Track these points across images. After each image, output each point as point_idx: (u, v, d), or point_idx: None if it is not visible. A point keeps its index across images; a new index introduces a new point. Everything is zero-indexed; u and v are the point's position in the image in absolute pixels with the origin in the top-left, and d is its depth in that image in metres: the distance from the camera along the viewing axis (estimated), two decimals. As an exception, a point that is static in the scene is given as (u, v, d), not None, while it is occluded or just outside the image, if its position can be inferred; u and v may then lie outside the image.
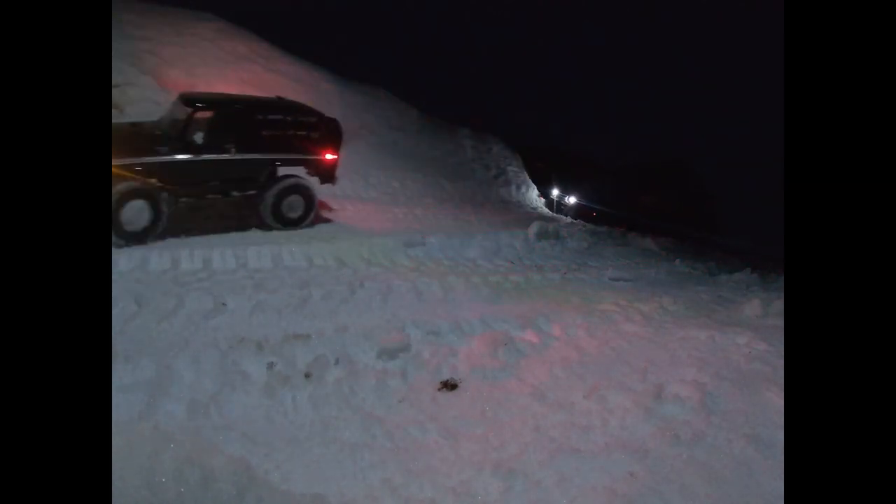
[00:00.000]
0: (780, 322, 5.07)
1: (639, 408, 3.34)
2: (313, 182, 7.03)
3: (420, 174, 12.38)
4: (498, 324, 4.69)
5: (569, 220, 13.21)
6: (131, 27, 11.01)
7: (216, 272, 5.17)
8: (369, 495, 2.58)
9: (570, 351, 4.30)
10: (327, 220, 7.72)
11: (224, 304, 4.36)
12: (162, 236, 5.70)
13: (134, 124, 6.51)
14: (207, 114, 6.14)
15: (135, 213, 5.41)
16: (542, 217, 12.18)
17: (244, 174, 6.45)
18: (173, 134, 5.91)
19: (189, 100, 6.27)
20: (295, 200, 6.78)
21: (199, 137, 5.93)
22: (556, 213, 16.10)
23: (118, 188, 5.28)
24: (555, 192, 17.76)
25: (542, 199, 16.23)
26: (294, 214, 6.82)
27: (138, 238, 5.46)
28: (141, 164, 5.52)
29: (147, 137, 5.99)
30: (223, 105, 6.42)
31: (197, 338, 3.82)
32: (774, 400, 3.36)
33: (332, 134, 7.17)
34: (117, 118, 7.50)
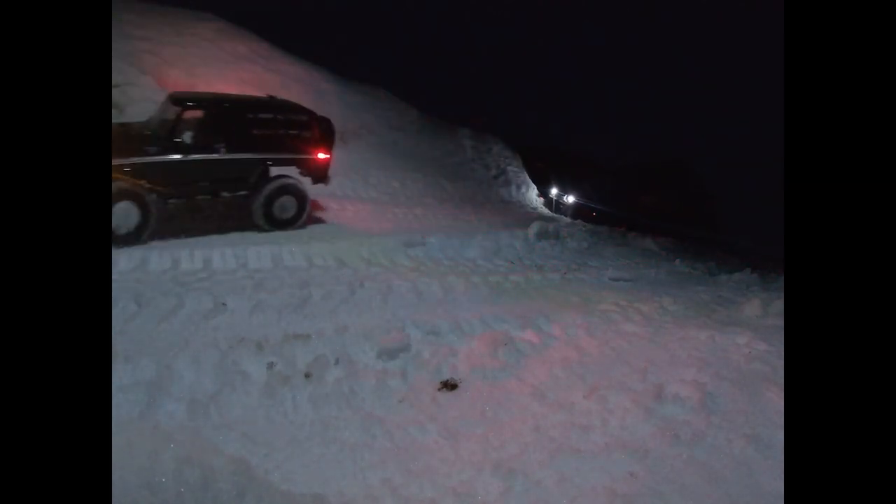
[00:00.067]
0: (780, 322, 5.07)
1: (639, 408, 3.34)
2: (306, 182, 6.94)
3: (420, 174, 12.38)
4: (498, 324, 4.69)
5: (568, 220, 13.21)
6: (131, 27, 11.02)
7: (216, 272, 5.17)
8: (369, 495, 2.58)
9: (570, 351, 4.30)
10: (327, 221, 7.72)
11: (224, 304, 4.35)
12: (152, 237, 5.61)
13: (123, 125, 6.44)
14: (197, 113, 6.05)
15: (122, 215, 5.33)
16: (542, 217, 12.18)
17: (234, 174, 6.34)
18: (162, 134, 5.82)
19: (178, 99, 6.18)
20: (287, 201, 6.69)
21: (187, 137, 5.84)
22: (555, 212, 16.11)
23: None
24: (553, 191, 17.76)
25: (541, 199, 16.24)
26: (286, 215, 6.72)
27: (126, 240, 5.37)
28: (129, 165, 5.41)
29: (135, 138, 5.89)
30: (212, 104, 6.31)
31: (197, 338, 3.82)
32: (774, 400, 3.36)
33: (324, 133, 7.08)
34: (117, 118, 7.50)
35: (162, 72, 10.18)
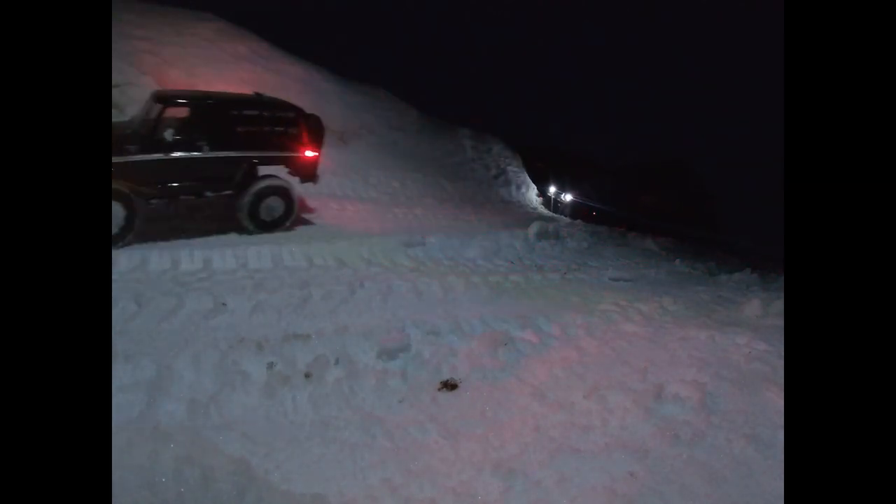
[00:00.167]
0: (780, 322, 5.07)
1: (639, 408, 3.34)
2: (294, 182, 6.75)
3: (420, 174, 12.39)
4: (498, 324, 4.69)
5: (567, 220, 13.22)
6: (131, 27, 11.02)
7: (216, 272, 5.17)
8: (369, 495, 2.58)
9: (570, 351, 4.30)
10: (327, 220, 7.72)
11: (224, 304, 4.36)
12: (137, 240, 5.48)
13: None
14: (180, 111, 5.90)
15: None
16: (542, 217, 12.19)
17: (218, 173, 6.14)
18: (143, 132, 5.64)
19: (161, 97, 6.00)
20: (274, 202, 6.50)
21: (169, 135, 5.66)
22: (554, 210, 16.13)
23: None
24: (552, 190, 17.78)
25: (540, 198, 16.25)
26: (272, 217, 6.54)
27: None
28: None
29: (117, 137, 5.68)
30: (195, 101, 6.13)
31: (197, 338, 3.82)
32: (774, 400, 3.35)
33: (312, 130, 6.85)
34: (117, 118, 7.50)
35: (162, 72, 10.18)
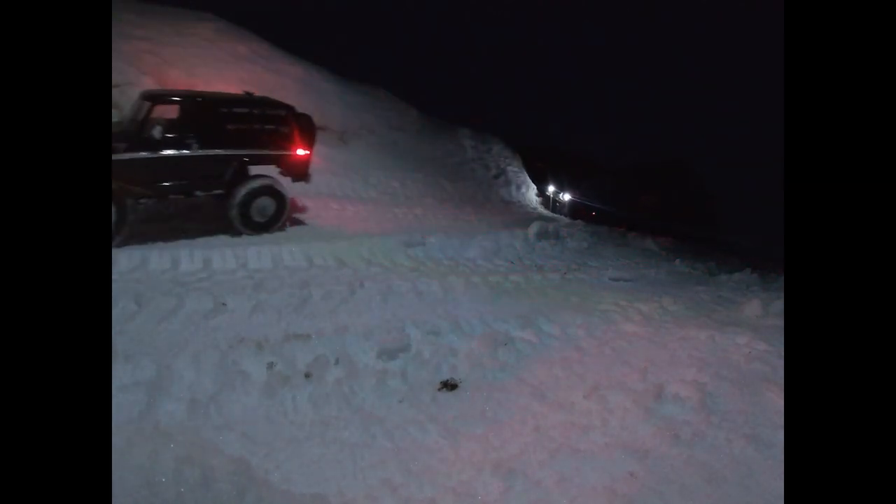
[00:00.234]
0: (780, 322, 5.07)
1: (639, 408, 3.34)
2: (286, 182, 6.68)
3: (420, 174, 12.39)
4: (498, 324, 4.69)
5: (567, 220, 13.22)
6: (131, 27, 11.03)
7: (216, 272, 5.17)
8: (369, 495, 2.57)
9: (569, 351, 4.30)
10: (327, 220, 7.72)
11: (224, 304, 4.35)
12: (128, 241, 5.43)
13: None
14: (168, 109, 5.83)
15: None
16: (542, 217, 12.19)
17: (208, 172, 6.04)
18: (131, 130, 5.56)
19: (149, 95, 5.93)
20: (265, 202, 6.39)
21: (157, 132, 5.52)
22: (553, 209, 16.15)
23: None
24: (550, 189, 17.80)
25: (539, 198, 16.27)
26: (263, 218, 6.43)
27: None
28: None
29: None
30: (183, 99, 6.06)
31: (197, 338, 3.82)
32: (774, 400, 3.36)
33: (304, 129, 6.76)
34: (117, 118, 7.50)
35: (162, 72, 10.19)
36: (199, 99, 6.15)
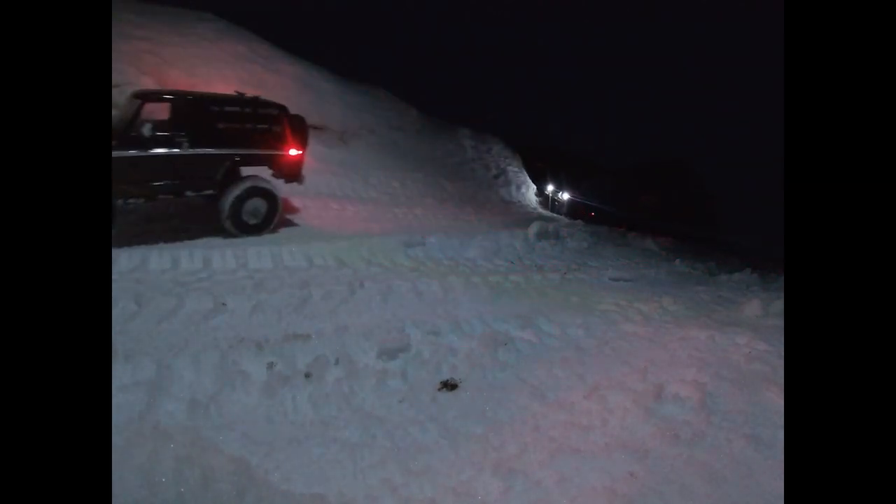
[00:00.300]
0: (780, 322, 5.07)
1: (639, 408, 3.34)
2: (278, 183, 6.61)
3: (420, 174, 12.40)
4: (498, 323, 4.69)
5: (567, 220, 13.23)
6: (131, 27, 11.03)
7: (216, 272, 5.17)
8: (369, 495, 2.57)
9: (569, 351, 4.30)
10: (328, 220, 7.72)
11: (224, 304, 4.35)
12: (116, 243, 5.35)
13: None
14: (158, 107, 5.75)
15: None
16: (541, 217, 12.19)
17: (198, 171, 5.92)
18: (120, 129, 5.44)
19: (140, 94, 5.81)
20: (257, 204, 6.30)
21: (147, 130, 5.39)
22: (552, 208, 16.16)
23: None
24: (549, 188, 17.81)
25: (538, 197, 16.28)
26: (255, 219, 6.35)
27: None
28: None
29: None
30: (174, 97, 5.94)
31: (197, 338, 3.82)
32: (774, 400, 3.36)
33: (296, 129, 6.70)
34: (117, 118, 7.50)
35: (162, 72, 10.19)
36: (190, 97, 6.05)
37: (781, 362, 3.86)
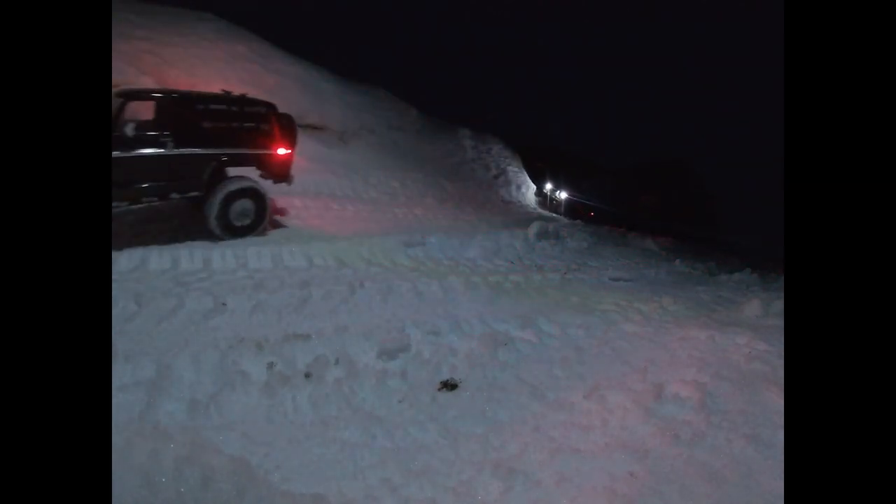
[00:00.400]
0: (780, 322, 5.07)
1: (639, 408, 3.34)
2: (266, 184, 6.49)
3: (420, 174, 12.40)
4: (498, 323, 4.69)
5: (567, 220, 13.23)
6: (131, 27, 11.03)
7: (216, 272, 5.17)
8: (369, 495, 2.57)
9: (569, 351, 4.30)
10: (328, 220, 7.72)
11: (224, 304, 4.35)
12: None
13: None
14: (142, 106, 5.67)
15: None
16: (541, 217, 12.19)
17: (184, 172, 5.71)
18: None
19: (123, 93, 5.62)
20: (245, 205, 6.12)
21: (129, 130, 5.18)
22: (550, 207, 16.18)
23: None
24: (548, 187, 17.83)
25: (538, 197, 16.29)
26: (243, 222, 6.16)
27: None
28: None
29: None
30: (158, 96, 5.84)
31: (197, 338, 3.82)
32: (774, 400, 3.36)
33: (285, 128, 6.56)
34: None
35: (162, 72, 10.20)
36: (175, 95, 5.90)
37: (781, 362, 3.86)
